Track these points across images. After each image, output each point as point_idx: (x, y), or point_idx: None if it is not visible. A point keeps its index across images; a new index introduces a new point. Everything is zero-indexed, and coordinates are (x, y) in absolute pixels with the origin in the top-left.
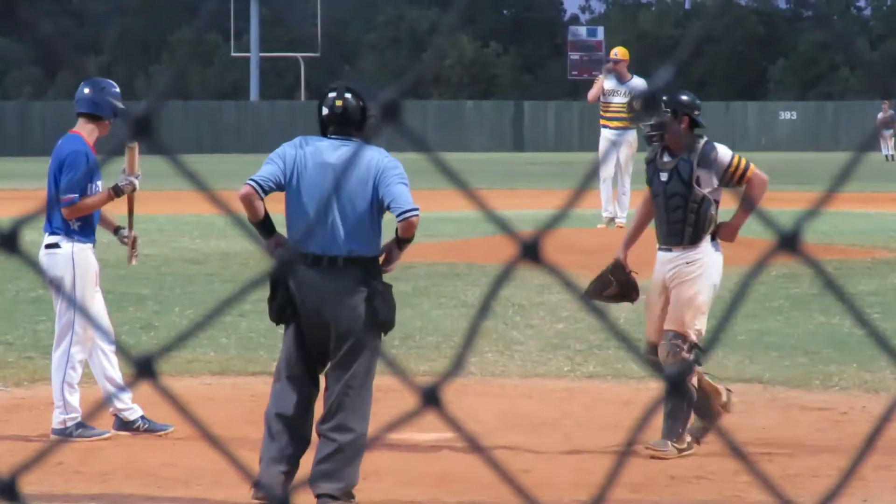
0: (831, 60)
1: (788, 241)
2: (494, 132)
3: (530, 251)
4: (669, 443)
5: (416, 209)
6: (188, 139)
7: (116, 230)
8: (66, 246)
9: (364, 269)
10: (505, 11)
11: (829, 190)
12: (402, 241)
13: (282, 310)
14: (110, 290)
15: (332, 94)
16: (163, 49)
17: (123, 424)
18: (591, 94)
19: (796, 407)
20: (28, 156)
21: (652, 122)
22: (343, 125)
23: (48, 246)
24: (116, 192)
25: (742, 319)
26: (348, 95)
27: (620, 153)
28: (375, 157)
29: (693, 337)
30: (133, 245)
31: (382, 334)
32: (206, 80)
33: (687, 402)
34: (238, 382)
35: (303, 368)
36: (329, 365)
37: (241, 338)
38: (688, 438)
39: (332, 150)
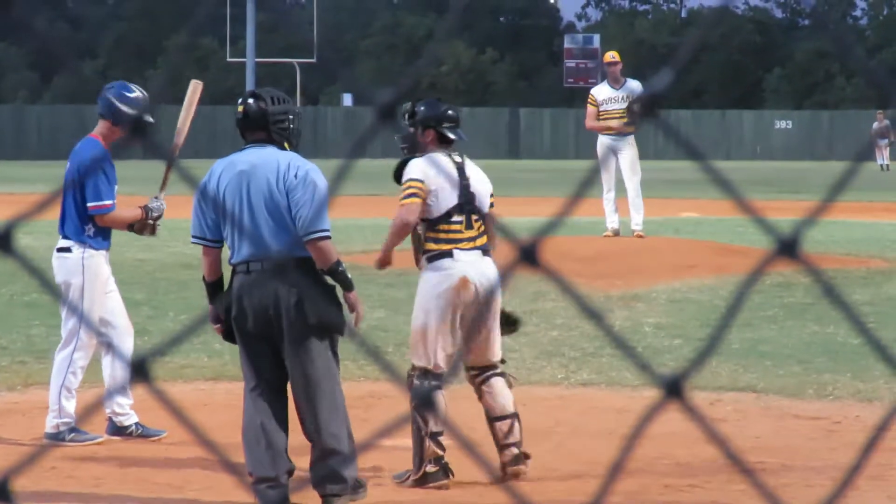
0: (827, 70)
1: (788, 248)
2: (490, 139)
3: (528, 255)
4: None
5: (322, 231)
6: (184, 144)
7: (130, 227)
8: (77, 251)
9: (298, 270)
10: (501, 18)
11: (825, 200)
12: (330, 275)
13: (227, 330)
14: None
15: (239, 101)
16: (159, 54)
17: (117, 429)
18: (588, 123)
19: (790, 416)
20: (24, 160)
21: (401, 135)
22: (250, 130)
23: (60, 249)
24: (147, 211)
25: (736, 328)
26: (250, 100)
27: (622, 158)
28: (286, 160)
29: (414, 361)
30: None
31: (333, 336)
32: (202, 84)
33: (417, 430)
34: (232, 388)
35: (261, 378)
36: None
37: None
38: (430, 469)
39: (243, 158)
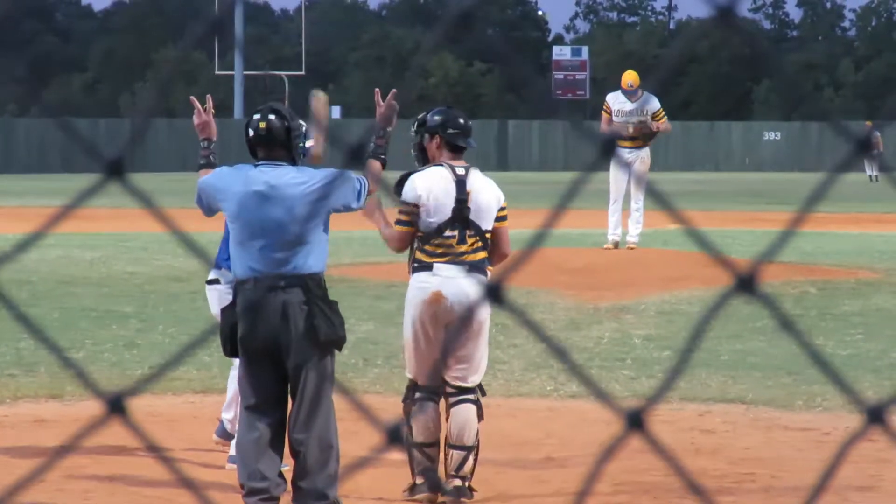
0: (816, 81)
1: (746, 284)
2: (478, 151)
3: (493, 293)
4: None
5: (361, 186)
6: (173, 157)
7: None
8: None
9: (306, 287)
10: (490, 31)
11: (801, 209)
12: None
13: (226, 343)
14: (94, 308)
15: (256, 116)
16: (148, 67)
17: (227, 433)
18: (603, 129)
19: (779, 427)
20: (12, 173)
21: (414, 144)
22: (269, 147)
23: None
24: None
25: (726, 339)
26: (272, 116)
27: (634, 170)
28: (304, 178)
29: (406, 374)
30: None
31: (336, 351)
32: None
33: (406, 443)
34: (221, 401)
35: (261, 395)
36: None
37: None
38: (418, 481)
39: (260, 177)
